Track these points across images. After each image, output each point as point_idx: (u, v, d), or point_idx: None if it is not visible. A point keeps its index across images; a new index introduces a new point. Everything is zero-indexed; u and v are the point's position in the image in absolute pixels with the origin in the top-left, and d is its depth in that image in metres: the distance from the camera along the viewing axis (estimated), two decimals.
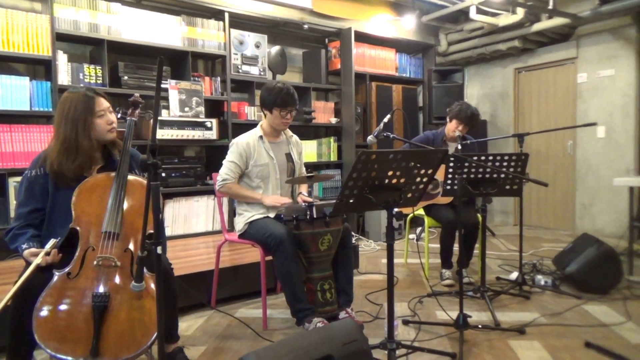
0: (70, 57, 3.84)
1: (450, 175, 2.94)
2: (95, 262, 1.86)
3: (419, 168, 2.09)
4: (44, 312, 1.76)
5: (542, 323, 2.80)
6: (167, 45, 4.19)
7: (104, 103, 2.12)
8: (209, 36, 4.44)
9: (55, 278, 1.82)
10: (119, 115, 2.20)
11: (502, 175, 2.89)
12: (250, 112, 4.75)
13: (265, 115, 2.97)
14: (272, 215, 2.85)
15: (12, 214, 3.36)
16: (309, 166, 4.95)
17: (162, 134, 4.02)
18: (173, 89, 4.16)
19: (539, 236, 5.44)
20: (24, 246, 1.92)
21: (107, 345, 1.75)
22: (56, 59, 3.65)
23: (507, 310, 3.02)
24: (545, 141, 5.87)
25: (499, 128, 6.28)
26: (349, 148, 5.44)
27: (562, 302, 3.14)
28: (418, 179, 2.14)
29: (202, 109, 4.31)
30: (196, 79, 4.38)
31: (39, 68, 3.89)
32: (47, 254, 1.85)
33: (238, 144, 2.90)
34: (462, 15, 5.84)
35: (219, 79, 4.59)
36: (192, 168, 4.31)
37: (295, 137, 3.14)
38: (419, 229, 5.37)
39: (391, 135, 2.65)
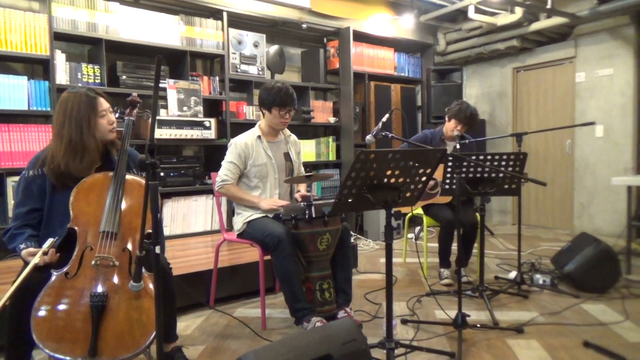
0: (69, 56, 3.83)
1: (448, 175, 2.94)
2: (93, 262, 1.86)
3: (418, 167, 2.09)
4: (42, 312, 1.75)
5: (540, 322, 2.80)
6: (166, 44, 4.18)
7: (104, 103, 2.13)
8: (207, 35, 4.44)
9: (53, 278, 1.82)
10: (117, 115, 2.20)
11: (501, 175, 2.89)
12: (249, 111, 4.75)
13: (263, 115, 2.97)
14: (270, 214, 2.85)
15: (10, 214, 3.35)
16: (308, 166, 4.95)
17: (161, 133, 4.01)
18: (171, 89, 4.16)
19: (538, 235, 5.45)
20: (22, 246, 1.92)
21: (105, 345, 1.75)
22: (54, 58, 3.65)
23: (506, 310, 3.03)
24: (543, 140, 5.88)
25: (497, 127, 6.29)
26: (348, 147, 5.44)
27: (560, 301, 3.15)
28: (417, 179, 2.15)
29: (200, 108, 4.31)
30: (194, 78, 4.38)
31: (37, 67, 3.88)
32: (45, 253, 1.85)
33: (236, 144, 2.89)
34: (460, 15, 5.84)
35: (217, 78, 4.59)
36: (190, 167, 4.30)
37: (293, 137, 3.14)
38: (417, 229, 5.37)
39: (390, 135, 2.65)
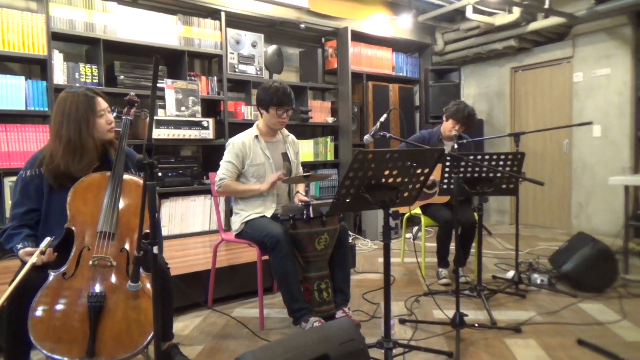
0: (66, 56, 3.82)
1: (446, 175, 2.94)
2: (90, 262, 1.86)
3: (416, 167, 2.09)
4: (40, 312, 1.75)
5: (538, 321, 2.81)
6: (164, 44, 4.18)
7: (103, 103, 2.13)
8: (205, 35, 4.43)
9: (51, 278, 1.82)
10: (115, 114, 2.20)
11: (499, 175, 2.90)
12: (247, 111, 4.74)
13: (261, 115, 2.96)
14: (268, 214, 2.85)
15: (8, 214, 3.35)
16: (306, 165, 4.96)
17: (159, 133, 4.01)
18: (169, 89, 4.15)
19: (535, 235, 5.46)
20: (19, 246, 1.92)
21: (103, 345, 1.75)
22: (52, 58, 3.64)
23: (504, 309, 3.03)
24: (541, 140, 5.89)
25: (495, 127, 6.29)
26: (346, 147, 5.44)
27: (558, 301, 3.15)
28: (414, 178, 2.15)
29: (198, 108, 4.31)
30: (192, 78, 4.37)
31: (34, 67, 3.87)
32: (42, 252, 1.84)
33: (234, 144, 2.89)
34: (458, 15, 5.85)
35: (215, 78, 4.58)
36: (188, 167, 4.30)
37: (291, 137, 3.14)
38: (415, 228, 5.38)
39: (388, 135, 2.65)
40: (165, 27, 4.20)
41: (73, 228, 1.92)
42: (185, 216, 4.28)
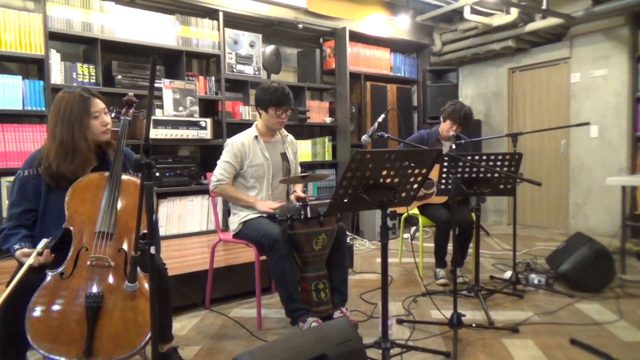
0: (64, 56, 3.82)
1: (444, 175, 2.95)
2: (88, 262, 1.85)
3: (413, 168, 2.10)
4: (37, 313, 1.75)
5: (535, 322, 2.81)
6: (161, 44, 4.17)
7: (99, 104, 2.10)
8: (203, 35, 4.43)
9: (48, 278, 1.81)
10: (113, 115, 2.19)
11: (496, 175, 2.90)
12: (245, 111, 4.74)
13: (260, 115, 2.96)
14: (266, 215, 2.85)
15: (5, 214, 3.34)
16: (304, 166, 4.95)
17: (156, 133, 4.00)
18: (167, 88, 4.15)
19: (533, 235, 5.47)
20: (16, 246, 1.91)
21: (100, 345, 1.75)
22: (49, 58, 3.63)
23: (501, 309, 3.04)
24: (539, 141, 5.90)
25: (492, 128, 6.30)
26: (344, 148, 5.44)
27: (555, 301, 3.16)
28: (412, 179, 2.15)
29: (196, 108, 4.30)
30: (190, 78, 4.37)
31: (31, 67, 3.86)
32: (40, 254, 1.84)
33: (233, 144, 2.89)
34: (456, 15, 5.85)
35: (213, 78, 4.58)
36: (186, 168, 4.29)
37: (290, 137, 3.14)
38: (413, 229, 5.38)
39: (385, 135, 2.65)
40: (163, 27, 4.20)
41: (71, 228, 1.92)
42: (183, 216, 4.27)
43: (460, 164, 2.81)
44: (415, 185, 2.19)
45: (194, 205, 4.33)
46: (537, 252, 4.45)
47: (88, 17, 3.83)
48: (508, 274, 3.56)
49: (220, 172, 2.88)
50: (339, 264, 2.78)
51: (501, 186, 2.99)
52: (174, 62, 4.38)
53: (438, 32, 6.19)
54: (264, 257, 2.72)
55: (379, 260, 4.24)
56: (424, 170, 2.14)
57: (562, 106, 5.66)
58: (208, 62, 4.87)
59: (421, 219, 3.74)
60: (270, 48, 4.95)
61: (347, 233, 3.32)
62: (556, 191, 5.77)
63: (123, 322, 1.80)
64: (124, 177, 2.06)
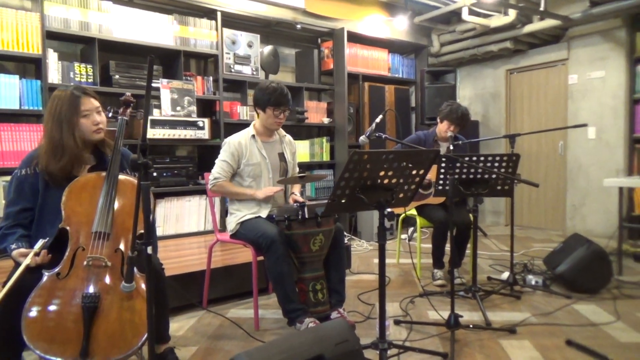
0: (61, 55, 3.81)
1: (442, 176, 2.95)
2: (85, 263, 1.84)
3: (411, 168, 2.10)
4: (33, 313, 1.74)
5: (532, 323, 2.82)
6: (159, 44, 4.17)
7: (90, 103, 2.08)
8: (201, 35, 4.43)
9: (45, 278, 1.80)
10: (110, 115, 2.18)
11: (494, 176, 2.90)
12: (243, 111, 4.74)
13: (258, 115, 2.96)
14: (263, 215, 2.85)
15: (1, 213, 3.33)
16: (302, 166, 4.94)
17: (154, 133, 4.00)
18: (165, 88, 4.14)
19: (530, 236, 5.47)
20: (13, 246, 1.90)
21: (97, 345, 1.74)
22: (46, 57, 3.62)
23: (498, 310, 3.04)
24: (536, 142, 5.91)
25: (490, 129, 6.31)
26: (342, 148, 5.44)
27: (552, 302, 3.17)
28: (410, 179, 2.15)
29: (194, 108, 4.30)
30: (188, 78, 4.36)
31: (29, 66, 3.85)
32: (37, 254, 1.83)
33: (230, 143, 2.89)
34: (454, 17, 5.86)
35: (211, 78, 4.57)
36: (184, 168, 4.29)
37: (288, 137, 3.13)
38: (411, 229, 5.39)
39: (383, 136, 2.65)
40: (161, 26, 4.19)
41: (68, 228, 1.91)
42: (181, 216, 4.27)
43: (458, 164, 2.82)
44: (413, 186, 2.19)
45: (192, 205, 4.33)
46: (535, 253, 4.46)
47: (86, 17, 3.82)
48: (505, 275, 3.56)
49: (217, 171, 2.88)
50: (336, 264, 2.78)
51: (499, 187, 2.99)
52: (171, 62, 4.37)
53: (436, 33, 6.19)
54: (261, 258, 2.71)
55: (376, 260, 4.25)
56: (421, 171, 2.14)
57: (559, 108, 5.67)
58: (206, 62, 4.86)
59: (419, 220, 3.74)
60: (268, 48, 4.95)
61: (345, 234, 3.33)
62: (554, 192, 5.78)
63: (120, 323, 1.79)
64: (121, 177, 2.05)
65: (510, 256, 3.52)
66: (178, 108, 4.21)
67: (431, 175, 3.30)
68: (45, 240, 1.88)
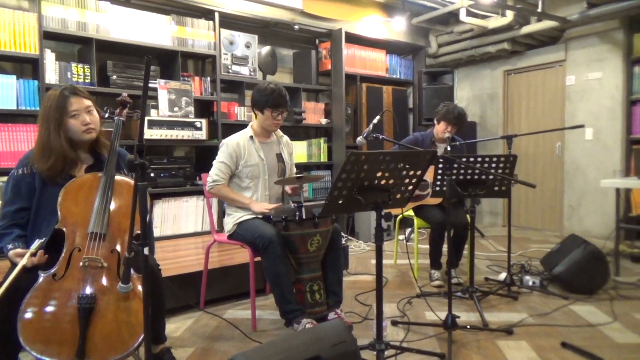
0: (58, 55, 3.80)
1: (439, 177, 2.95)
2: (81, 264, 1.84)
3: (408, 169, 2.10)
4: (29, 314, 1.73)
5: (529, 323, 2.82)
6: (157, 44, 4.16)
7: (79, 103, 2.05)
8: (199, 36, 4.42)
9: (41, 279, 1.79)
10: (106, 115, 2.17)
11: (491, 177, 2.91)
12: (240, 112, 4.73)
13: (256, 116, 2.96)
14: (261, 216, 2.84)
15: None
16: (299, 167, 4.94)
17: (151, 134, 3.99)
18: (162, 89, 4.14)
19: (528, 237, 5.48)
20: (10, 246, 1.90)
21: (93, 347, 1.73)
22: (44, 57, 3.61)
23: (496, 311, 3.04)
24: (533, 143, 5.92)
25: (488, 129, 6.32)
26: (339, 149, 5.44)
27: (549, 303, 3.17)
28: (407, 180, 2.15)
29: (191, 109, 4.29)
30: (186, 78, 4.36)
31: (26, 67, 3.85)
32: (33, 254, 1.83)
33: (228, 144, 2.88)
34: (452, 18, 5.86)
35: (208, 79, 4.57)
36: (181, 168, 4.28)
37: (285, 138, 3.14)
38: (408, 230, 5.39)
39: (380, 137, 2.65)
40: (158, 27, 4.19)
41: (64, 229, 1.90)
42: (178, 217, 4.26)
43: (455, 165, 2.82)
44: (410, 187, 2.19)
45: (189, 206, 4.32)
46: (532, 254, 4.46)
47: (83, 17, 3.81)
48: (503, 275, 3.56)
49: (215, 173, 2.88)
50: (333, 265, 2.78)
51: (496, 188, 2.99)
52: (169, 62, 4.37)
53: (434, 34, 6.20)
54: (258, 259, 2.71)
55: (374, 261, 4.24)
56: (418, 172, 2.15)
57: (557, 109, 5.68)
58: (204, 63, 4.86)
59: (416, 221, 3.74)
60: (266, 49, 4.94)
61: (342, 234, 3.33)
62: (551, 193, 5.79)
63: (116, 324, 1.79)
64: (118, 177, 2.04)
65: (507, 257, 3.52)
66: (175, 109, 4.20)
67: (429, 176, 3.30)
68: (42, 240, 1.88)
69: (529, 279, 3.48)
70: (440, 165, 2.90)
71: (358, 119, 5.65)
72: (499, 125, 6.23)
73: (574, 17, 4.94)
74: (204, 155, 4.53)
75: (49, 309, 1.76)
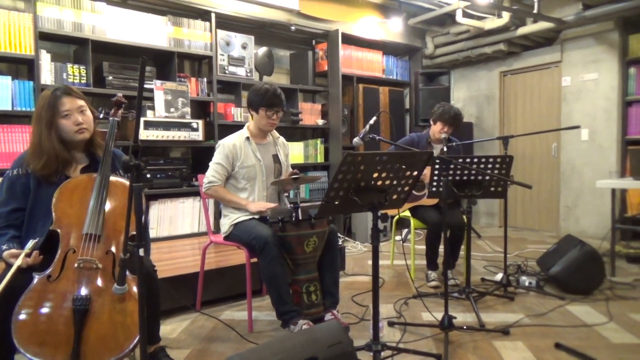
0: (54, 56, 3.79)
1: (435, 177, 2.96)
2: (76, 265, 1.83)
3: (405, 170, 2.10)
4: (23, 316, 1.72)
5: (526, 324, 2.82)
6: (153, 45, 4.15)
7: (72, 103, 2.04)
8: (195, 36, 4.42)
9: (35, 281, 1.78)
10: (101, 115, 2.16)
11: (487, 177, 2.91)
12: (237, 113, 4.73)
13: (252, 116, 2.96)
14: (257, 216, 2.84)
15: None
16: (296, 168, 4.94)
17: (148, 134, 3.98)
18: (158, 90, 4.13)
19: (524, 237, 5.49)
20: (4, 247, 1.89)
21: (88, 348, 1.72)
22: (39, 58, 3.60)
23: (492, 311, 3.04)
24: (530, 143, 5.94)
25: (484, 130, 6.33)
26: (336, 150, 5.44)
27: (545, 303, 3.17)
28: (403, 181, 2.15)
29: (188, 109, 4.28)
30: (182, 79, 4.35)
31: (21, 67, 3.83)
32: (28, 255, 1.82)
33: (224, 146, 2.88)
34: (448, 19, 5.88)
35: (205, 79, 4.56)
36: (177, 169, 4.27)
37: (282, 139, 3.14)
38: (405, 231, 5.39)
39: (377, 137, 2.65)
40: (154, 28, 4.18)
41: (58, 230, 1.90)
42: (174, 218, 4.25)
43: (452, 166, 2.82)
44: (407, 188, 2.19)
45: (185, 207, 4.31)
46: (528, 255, 4.47)
47: (79, 18, 3.80)
48: (499, 276, 3.57)
49: (212, 174, 2.87)
50: (330, 266, 2.78)
51: (492, 189, 3.00)
52: (165, 63, 4.36)
53: (430, 35, 6.21)
54: (255, 260, 2.71)
55: (370, 262, 4.24)
56: (415, 173, 2.15)
57: (553, 109, 5.70)
58: (200, 64, 4.85)
59: (413, 221, 3.74)
60: (262, 50, 4.94)
61: (339, 235, 3.33)
62: (547, 194, 5.80)
63: (111, 325, 1.78)
64: (113, 178, 2.03)
65: (503, 257, 3.53)
66: (172, 109, 4.19)
67: (425, 177, 3.31)
68: (36, 240, 1.87)
69: (525, 280, 3.49)
70: (437, 166, 2.91)
71: (355, 119, 5.66)
72: (495, 126, 6.25)
73: (570, 19, 4.96)
74: (200, 156, 4.52)
75: (44, 310, 1.75)
